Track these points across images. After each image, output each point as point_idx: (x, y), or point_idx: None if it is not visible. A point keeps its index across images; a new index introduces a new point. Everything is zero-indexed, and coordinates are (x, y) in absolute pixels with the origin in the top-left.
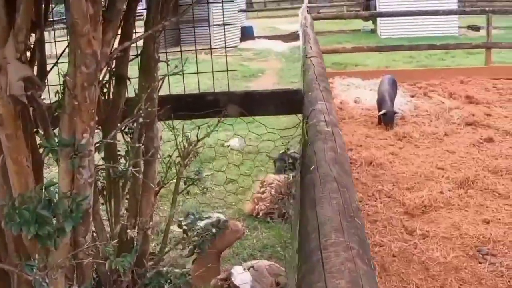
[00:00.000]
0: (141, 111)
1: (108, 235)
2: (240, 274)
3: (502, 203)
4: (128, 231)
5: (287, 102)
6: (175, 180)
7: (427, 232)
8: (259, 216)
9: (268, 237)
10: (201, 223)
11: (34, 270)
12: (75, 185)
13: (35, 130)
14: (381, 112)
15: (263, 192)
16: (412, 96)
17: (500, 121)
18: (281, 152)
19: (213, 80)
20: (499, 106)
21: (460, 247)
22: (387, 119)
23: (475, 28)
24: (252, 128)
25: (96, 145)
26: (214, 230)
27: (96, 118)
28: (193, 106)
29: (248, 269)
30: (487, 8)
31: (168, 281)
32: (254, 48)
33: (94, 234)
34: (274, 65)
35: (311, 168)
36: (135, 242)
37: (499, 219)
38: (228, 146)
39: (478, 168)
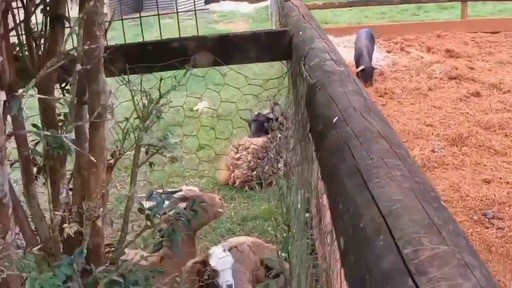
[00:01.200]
0: (74, 51)
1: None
2: (221, 258)
3: (500, 161)
4: (65, 226)
5: (272, 45)
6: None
7: None
8: (235, 185)
9: (247, 208)
10: (170, 206)
11: None
12: None
13: None
14: (359, 68)
15: (238, 158)
16: (389, 52)
17: (484, 74)
18: (256, 113)
19: None
20: (481, 60)
21: (462, 211)
22: (366, 75)
23: None
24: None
25: (7, 101)
26: (187, 214)
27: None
28: (155, 56)
29: (230, 250)
30: None
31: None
32: (220, 10)
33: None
34: (241, 26)
35: (334, 121)
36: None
37: (500, 178)
38: (197, 110)
39: (470, 124)
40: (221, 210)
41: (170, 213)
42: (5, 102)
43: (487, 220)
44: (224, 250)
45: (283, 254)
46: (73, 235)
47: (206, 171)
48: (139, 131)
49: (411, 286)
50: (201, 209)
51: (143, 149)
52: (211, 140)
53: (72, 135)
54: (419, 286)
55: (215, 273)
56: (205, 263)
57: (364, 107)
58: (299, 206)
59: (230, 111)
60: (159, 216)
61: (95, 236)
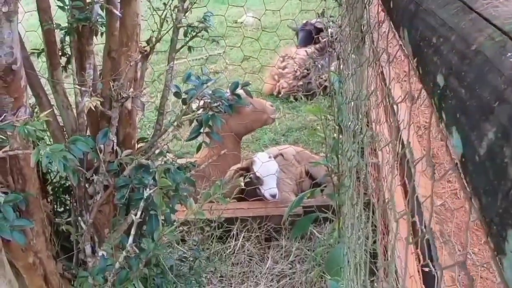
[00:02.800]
0: None
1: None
2: (265, 163)
3: None
4: (86, 100)
5: None
6: (170, 32)
7: None
8: (280, 95)
9: (292, 119)
10: (209, 89)
11: None
12: None
13: None
14: None
15: (284, 68)
16: None
17: None
18: (304, 22)
19: None
20: None
21: None
22: None
23: None
24: None
25: None
26: (229, 100)
27: None
28: None
29: (275, 157)
30: None
31: (154, 177)
32: None
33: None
34: None
35: None
36: (111, 121)
37: None
38: (241, 22)
39: None
40: (273, 116)
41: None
42: None
43: None
44: (269, 157)
45: (333, 156)
46: (94, 107)
47: (251, 82)
48: (177, 11)
49: None
50: (247, 96)
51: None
52: (256, 51)
53: (99, 10)
54: None
55: (258, 180)
56: (248, 170)
57: None
58: (351, 104)
59: (275, 23)
60: (197, 101)
61: (125, 124)
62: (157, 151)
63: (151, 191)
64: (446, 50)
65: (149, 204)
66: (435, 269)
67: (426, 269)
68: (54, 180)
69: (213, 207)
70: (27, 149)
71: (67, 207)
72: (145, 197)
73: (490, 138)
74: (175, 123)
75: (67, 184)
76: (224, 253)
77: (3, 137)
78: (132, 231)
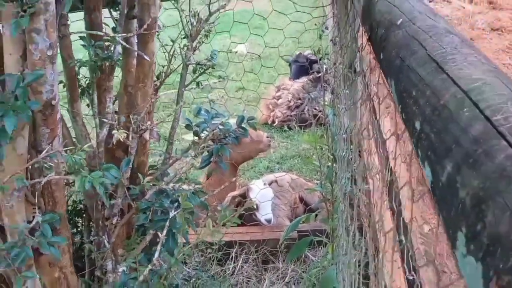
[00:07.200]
0: None
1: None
2: (262, 190)
3: None
4: (114, 132)
5: None
6: (180, 70)
7: None
8: (275, 124)
9: (286, 147)
10: (218, 123)
11: None
12: (28, 62)
13: None
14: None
15: (279, 98)
16: (430, 1)
17: None
18: (297, 53)
19: None
20: None
21: None
22: None
23: None
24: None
25: None
26: (235, 132)
27: None
28: None
29: (270, 184)
30: None
31: (175, 202)
32: None
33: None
34: None
35: (398, 23)
36: (129, 150)
37: None
38: (236, 52)
39: (510, 75)
40: (268, 145)
41: (218, 130)
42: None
43: None
44: (265, 184)
45: (327, 184)
46: (122, 139)
47: (246, 111)
48: (187, 50)
49: (505, 145)
50: (251, 128)
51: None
52: (250, 81)
53: (119, 49)
54: None
55: (254, 206)
56: (245, 196)
57: (429, 11)
58: (344, 135)
59: (269, 54)
60: (206, 133)
61: (140, 153)
62: (176, 178)
63: (176, 212)
64: (422, 102)
65: (170, 224)
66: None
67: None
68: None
69: (214, 231)
70: (59, 175)
71: (79, 229)
72: (170, 217)
73: (449, 171)
74: (193, 154)
75: (79, 207)
76: (224, 274)
77: (50, 164)
78: (158, 247)
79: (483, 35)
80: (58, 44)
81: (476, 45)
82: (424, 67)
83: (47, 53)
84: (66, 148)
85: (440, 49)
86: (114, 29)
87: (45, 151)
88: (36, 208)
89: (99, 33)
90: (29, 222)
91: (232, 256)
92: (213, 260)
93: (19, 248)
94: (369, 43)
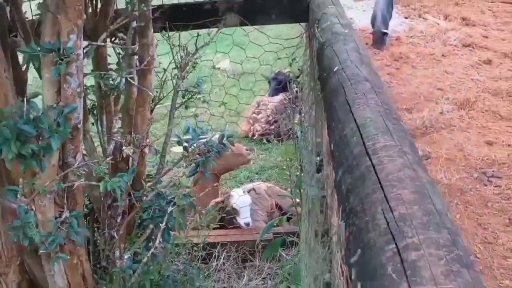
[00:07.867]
0: (135, 11)
1: (100, 157)
2: (241, 197)
3: (504, 125)
4: (124, 148)
5: (290, 9)
6: (171, 95)
7: (429, 153)
8: (254, 137)
9: (264, 159)
10: (203, 139)
11: (19, 196)
12: (62, 97)
13: (13, 34)
14: (371, 31)
15: (258, 113)
16: (407, 18)
17: (497, 43)
18: (276, 71)
19: None
20: (496, 29)
21: (464, 169)
22: (377, 38)
23: None
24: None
25: (85, 50)
26: (217, 147)
27: (84, 18)
28: (189, 16)
29: (248, 192)
30: None
31: (171, 203)
32: None
33: (86, 158)
34: None
35: (335, 70)
36: (131, 162)
37: (503, 141)
38: (218, 68)
39: (479, 90)
40: (248, 158)
41: (203, 146)
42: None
43: (486, 178)
44: (244, 191)
45: (296, 190)
46: (131, 154)
47: (227, 125)
48: (177, 78)
49: (368, 160)
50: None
51: (180, 95)
52: (232, 97)
53: (124, 80)
54: (372, 160)
55: (234, 211)
56: (226, 202)
57: (359, 60)
58: (310, 148)
59: (251, 70)
60: (193, 147)
61: (140, 165)
62: (171, 184)
63: (173, 208)
64: (336, 131)
65: (167, 219)
66: None
67: None
68: None
69: (199, 233)
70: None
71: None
72: (168, 212)
73: (340, 174)
74: (184, 165)
75: (84, 211)
76: (208, 271)
77: (82, 172)
78: (159, 235)
79: (455, 51)
80: None
81: (447, 60)
82: (342, 108)
83: (77, 90)
84: (92, 161)
85: (354, 94)
86: (118, 64)
87: (77, 162)
88: (64, 207)
89: (110, 73)
90: (56, 218)
91: (215, 255)
92: (198, 259)
93: (54, 236)
94: (318, 80)
